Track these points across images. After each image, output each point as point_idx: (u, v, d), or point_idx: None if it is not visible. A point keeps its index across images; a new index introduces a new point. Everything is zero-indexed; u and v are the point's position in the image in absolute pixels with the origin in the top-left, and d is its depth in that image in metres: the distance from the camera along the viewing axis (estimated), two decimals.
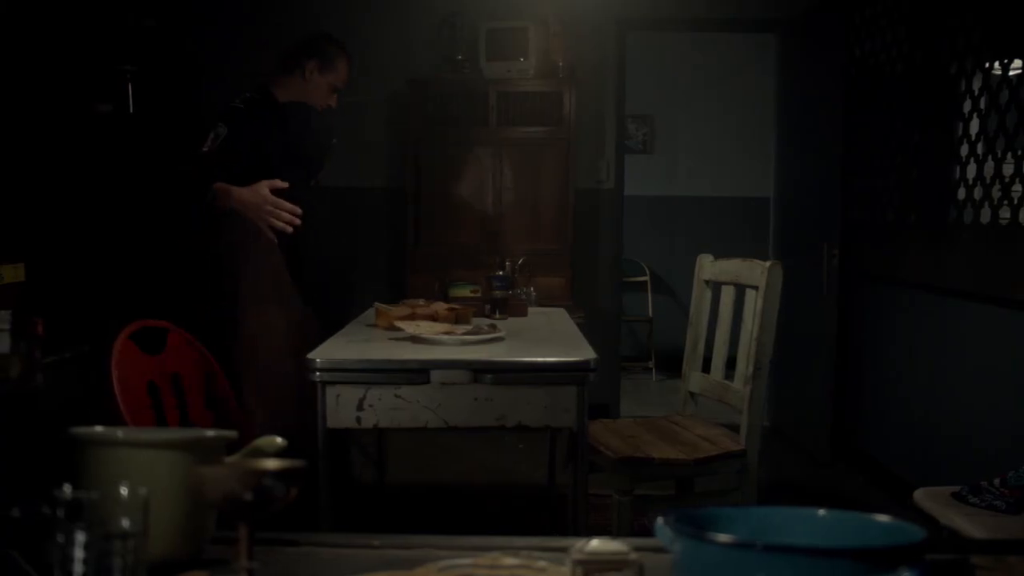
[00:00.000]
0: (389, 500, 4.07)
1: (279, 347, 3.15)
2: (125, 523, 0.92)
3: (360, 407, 2.48)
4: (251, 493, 0.89)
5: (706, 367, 3.38)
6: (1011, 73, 3.44)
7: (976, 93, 3.67)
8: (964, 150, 3.76)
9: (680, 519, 0.93)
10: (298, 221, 3.15)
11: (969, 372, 3.65)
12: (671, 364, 6.87)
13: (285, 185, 3.15)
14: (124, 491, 0.94)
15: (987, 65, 3.57)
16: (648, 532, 2.69)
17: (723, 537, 0.87)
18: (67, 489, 0.91)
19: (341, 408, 2.48)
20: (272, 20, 5.51)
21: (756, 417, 3.00)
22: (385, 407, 2.48)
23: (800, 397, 5.08)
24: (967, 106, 3.73)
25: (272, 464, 0.95)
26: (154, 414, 2.67)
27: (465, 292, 4.66)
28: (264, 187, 3.12)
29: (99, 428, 1.17)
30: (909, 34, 4.21)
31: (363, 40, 5.48)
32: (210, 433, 1.19)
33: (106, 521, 0.92)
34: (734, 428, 3.14)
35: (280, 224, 3.11)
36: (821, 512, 0.97)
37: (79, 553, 0.88)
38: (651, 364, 7.17)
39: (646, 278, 7.37)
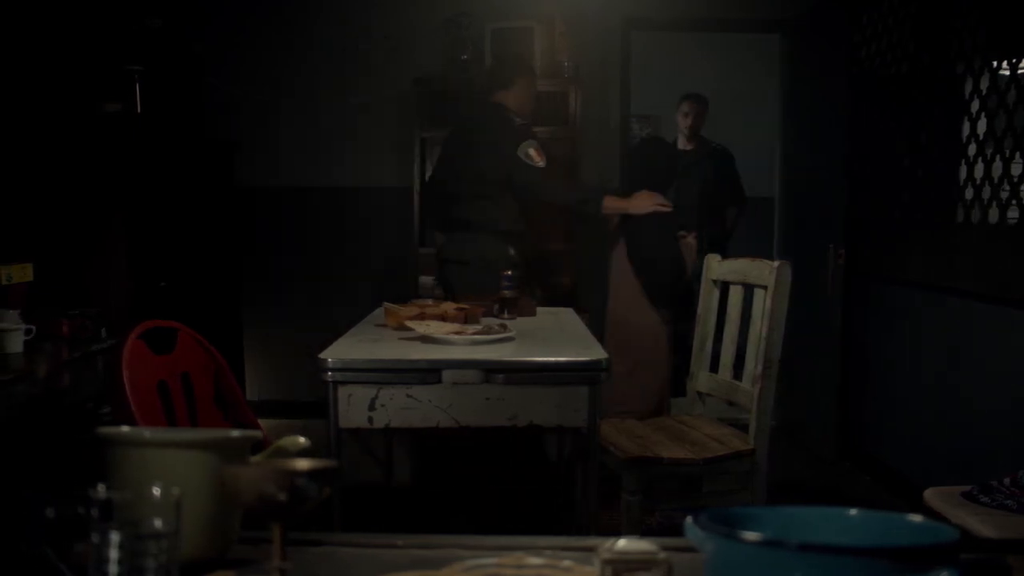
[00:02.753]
0: (395, 500, 4.07)
1: None
2: (158, 523, 0.92)
3: (372, 407, 2.48)
4: (285, 493, 0.90)
5: (713, 367, 3.38)
6: (1020, 72, 3.44)
7: (984, 93, 3.67)
8: (972, 150, 3.76)
9: (711, 518, 0.93)
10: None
11: (975, 372, 3.65)
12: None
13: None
14: (157, 491, 0.94)
15: (995, 65, 3.57)
16: (656, 532, 2.70)
17: (758, 536, 0.87)
18: (101, 489, 0.91)
19: (353, 408, 2.48)
20: (276, 19, 5.52)
21: (765, 416, 3.00)
22: (397, 407, 2.48)
23: (805, 397, 5.08)
24: (975, 106, 3.73)
25: (305, 464, 0.95)
26: (164, 414, 2.67)
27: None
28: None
29: (125, 428, 1.18)
30: (915, 34, 4.21)
31: (369, 40, 5.51)
32: (236, 433, 1.19)
33: (137, 521, 0.92)
34: (737, 427, 3.14)
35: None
36: (851, 511, 0.97)
37: (114, 553, 0.88)
38: None
39: None
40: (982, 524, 2.41)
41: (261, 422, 2.92)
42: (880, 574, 0.80)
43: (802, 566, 0.83)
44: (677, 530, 3.27)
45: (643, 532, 2.97)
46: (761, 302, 3.06)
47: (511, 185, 4.05)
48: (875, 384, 4.55)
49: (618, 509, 2.93)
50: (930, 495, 2.69)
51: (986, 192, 3.63)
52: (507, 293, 3.43)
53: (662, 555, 1.03)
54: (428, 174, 4.90)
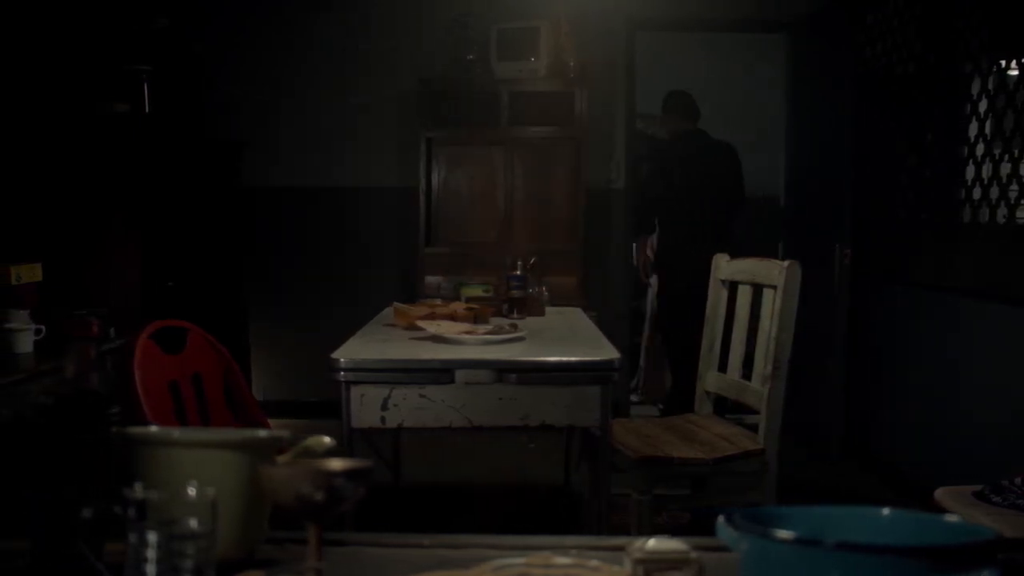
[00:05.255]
0: (404, 500, 4.07)
1: None
2: (193, 523, 0.92)
3: (384, 407, 2.49)
4: (322, 493, 0.90)
5: (721, 367, 3.38)
6: None
7: (992, 92, 3.67)
8: (980, 149, 3.76)
9: (746, 518, 0.93)
10: None
11: (981, 372, 3.66)
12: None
13: None
14: (192, 491, 0.94)
15: (1003, 64, 3.57)
16: (664, 531, 2.68)
17: (794, 535, 0.87)
18: (137, 489, 0.91)
19: (365, 408, 2.48)
20: (279, 19, 5.52)
21: (775, 416, 3.00)
22: (410, 407, 2.48)
23: (811, 397, 5.08)
24: (982, 106, 3.74)
25: (341, 464, 0.95)
26: (175, 414, 2.67)
27: (477, 292, 4.65)
28: None
29: (154, 428, 1.18)
30: (921, 34, 4.21)
31: (375, 40, 5.51)
32: (263, 433, 1.20)
33: (171, 521, 0.92)
34: (745, 427, 3.15)
35: None
36: (884, 511, 0.97)
37: (152, 553, 0.89)
38: None
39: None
40: (994, 524, 2.41)
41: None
42: (920, 574, 0.80)
43: (839, 566, 0.83)
44: (684, 530, 3.30)
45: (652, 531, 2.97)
46: (770, 302, 3.06)
47: (740, 190, 5.20)
48: (881, 384, 4.55)
49: (624, 508, 2.93)
50: (941, 495, 2.69)
51: (994, 192, 3.63)
52: (515, 293, 3.43)
53: (694, 554, 1.03)
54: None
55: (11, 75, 3.65)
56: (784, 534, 0.88)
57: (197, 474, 1.08)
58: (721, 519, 0.96)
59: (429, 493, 4.22)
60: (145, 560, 0.88)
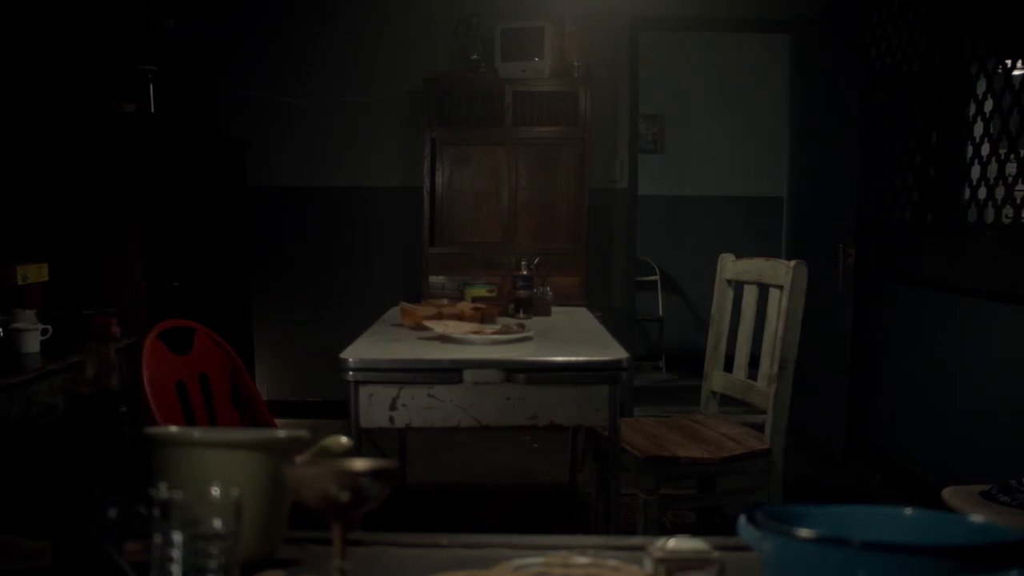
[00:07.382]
0: (410, 500, 4.07)
1: None
2: (218, 523, 0.92)
3: (393, 407, 2.49)
4: (348, 493, 0.90)
5: (727, 366, 3.39)
6: None
7: (997, 92, 3.67)
8: (985, 149, 3.77)
9: (769, 517, 0.93)
10: None
11: (985, 371, 3.66)
12: (681, 363, 6.89)
13: None
14: (216, 492, 0.94)
15: (1008, 64, 3.57)
16: (668, 531, 2.69)
17: (819, 534, 0.87)
18: (162, 489, 0.91)
19: (374, 408, 2.49)
20: (287, 19, 5.52)
21: (781, 416, 3.00)
22: (418, 407, 2.49)
23: (815, 396, 5.08)
24: (987, 105, 3.74)
25: (366, 464, 0.95)
26: (183, 413, 2.67)
27: (481, 292, 4.65)
28: None
29: (174, 428, 1.18)
30: (926, 33, 4.21)
31: (379, 39, 5.51)
32: (282, 434, 1.20)
33: (195, 521, 0.92)
34: (751, 427, 3.15)
35: None
36: (907, 510, 0.97)
37: (176, 553, 0.89)
38: (661, 363, 7.18)
39: (656, 277, 7.37)
40: (1003, 523, 2.41)
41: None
42: (947, 573, 0.80)
43: (866, 565, 0.83)
44: (689, 529, 3.30)
45: (657, 531, 2.97)
46: (776, 302, 3.06)
47: None
48: (885, 383, 4.55)
49: (629, 507, 2.93)
50: (948, 494, 2.70)
51: (999, 192, 3.63)
52: (522, 293, 3.43)
53: (715, 554, 1.03)
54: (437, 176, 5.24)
55: (17, 74, 3.65)
56: (809, 533, 0.87)
57: (218, 474, 1.08)
58: (743, 518, 0.96)
59: (435, 493, 4.22)
60: (170, 560, 0.88)
